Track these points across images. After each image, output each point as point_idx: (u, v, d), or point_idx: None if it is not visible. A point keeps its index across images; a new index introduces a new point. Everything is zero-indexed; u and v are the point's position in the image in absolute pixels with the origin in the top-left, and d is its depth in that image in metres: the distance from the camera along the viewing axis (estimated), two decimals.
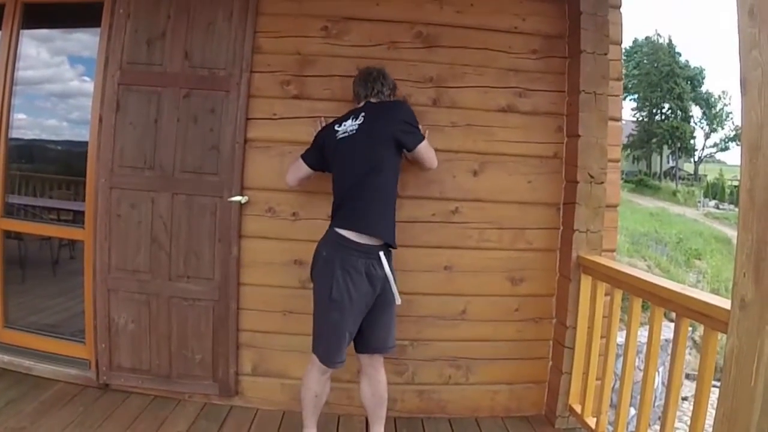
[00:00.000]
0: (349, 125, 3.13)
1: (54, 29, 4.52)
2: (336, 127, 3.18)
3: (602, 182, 3.65)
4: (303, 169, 3.37)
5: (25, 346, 4.03)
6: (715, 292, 17.64)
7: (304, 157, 3.36)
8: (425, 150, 3.28)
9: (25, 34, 4.06)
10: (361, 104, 3.28)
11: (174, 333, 3.76)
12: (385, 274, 3.02)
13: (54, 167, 5.25)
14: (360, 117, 3.14)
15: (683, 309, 2.64)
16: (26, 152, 4.87)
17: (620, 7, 3.88)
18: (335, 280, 2.94)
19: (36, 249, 5.47)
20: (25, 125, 4.51)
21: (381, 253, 3.02)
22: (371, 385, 3.19)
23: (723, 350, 2.41)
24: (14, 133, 4.14)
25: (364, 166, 3.05)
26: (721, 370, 2.07)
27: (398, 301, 3.08)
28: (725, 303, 2.26)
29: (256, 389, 3.81)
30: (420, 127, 3.32)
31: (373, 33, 3.71)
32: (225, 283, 3.71)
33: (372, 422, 3.28)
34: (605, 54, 3.66)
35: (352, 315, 2.98)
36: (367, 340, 3.12)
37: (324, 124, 3.43)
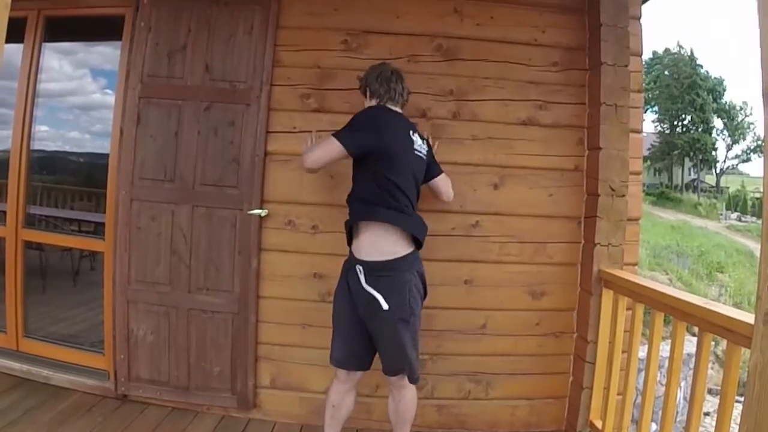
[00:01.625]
0: (421, 144, 3.12)
1: (76, 42, 4.57)
2: (411, 135, 3.09)
3: (623, 195, 3.61)
4: (337, 152, 3.00)
5: (44, 355, 4.06)
6: (737, 305, 17.51)
7: (344, 141, 2.95)
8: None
9: (48, 47, 4.12)
10: (411, 121, 3.24)
11: (193, 345, 3.76)
12: (370, 298, 2.89)
13: (76, 179, 5.29)
14: (425, 143, 3.18)
15: (706, 323, 2.60)
16: (49, 164, 4.91)
17: (640, 18, 3.86)
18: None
19: (57, 260, 5.50)
20: (47, 137, 4.56)
21: (358, 267, 2.93)
22: (393, 401, 3.17)
23: (746, 365, 2.37)
24: (37, 145, 4.19)
25: (414, 194, 3.06)
26: (745, 386, 2.03)
27: (384, 306, 2.86)
28: (749, 317, 2.21)
29: (274, 402, 3.80)
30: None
31: (393, 46, 3.71)
32: (244, 296, 3.71)
33: None
34: (626, 66, 3.63)
35: (343, 315, 3.05)
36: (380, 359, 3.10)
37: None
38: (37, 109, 4.09)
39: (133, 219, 3.73)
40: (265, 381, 3.80)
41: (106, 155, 3.86)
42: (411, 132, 3.09)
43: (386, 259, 2.90)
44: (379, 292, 2.86)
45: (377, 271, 2.90)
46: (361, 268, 2.92)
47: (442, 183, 3.40)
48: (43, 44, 4.07)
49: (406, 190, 2.97)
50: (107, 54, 4.41)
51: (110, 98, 3.94)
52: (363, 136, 2.96)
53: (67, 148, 4.92)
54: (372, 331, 2.97)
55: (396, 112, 3.15)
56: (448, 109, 3.75)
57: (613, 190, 3.59)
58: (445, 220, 3.74)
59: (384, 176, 2.94)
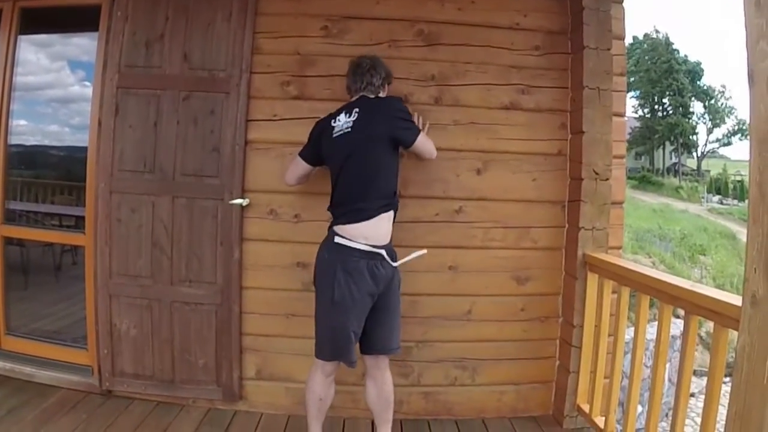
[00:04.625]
0: (343, 122, 3.09)
1: (53, 34, 4.49)
2: (332, 123, 3.13)
3: (607, 179, 3.61)
4: (301, 167, 3.34)
5: (27, 353, 4.00)
6: (720, 287, 17.66)
7: (302, 155, 3.32)
8: (423, 143, 3.27)
9: (24, 39, 4.03)
10: (355, 98, 3.23)
11: (176, 338, 3.72)
12: (392, 273, 3.06)
13: (56, 173, 5.24)
14: (354, 113, 3.09)
15: (693, 306, 2.60)
16: (28, 158, 4.85)
17: (623, 1, 3.84)
18: (337, 282, 2.92)
19: (38, 255, 5.44)
20: (26, 131, 4.50)
21: (384, 253, 3.00)
22: (376, 387, 3.16)
23: (730, 346, 2.38)
24: (16, 140, 4.13)
25: (363, 167, 3.03)
26: (731, 367, 2.03)
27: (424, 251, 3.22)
28: (736, 299, 2.21)
29: (260, 393, 3.78)
30: (414, 120, 3.34)
31: (374, 32, 3.68)
32: (227, 287, 3.68)
33: (378, 425, 3.24)
34: (608, 49, 3.62)
35: (356, 316, 2.97)
36: (370, 341, 3.08)
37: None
38: (15, 103, 4.01)
39: (113, 212, 3.68)
40: (251, 372, 3.78)
41: (86, 148, 3.80)
42: (332, 121, 3.15)
43: (389, 240, 3.10)
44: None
45: (390, 251, 3.08)
46: (384, 252, 3.02)
47: (420, 147, 3.28)
48: (19, 36, 3.98)
49: (358, 190, 3.05)
50: (84, 45, 4.34)
51: (89, 90, 3.86)
52: (308, 147, 3.32)
53: (47, 142, 4.86)
54: (383, 309, 3.08)
55: (351, 102, 3.23)
56: (430, 95, 3.73)
57: (596, 173, 3.59)
58: (429, 207, 3.73)
59: (335, 181, 3.14)
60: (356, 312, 2.97)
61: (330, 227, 3.08)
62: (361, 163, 3.03)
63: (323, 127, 3.19)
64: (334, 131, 3.09)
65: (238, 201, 3.62)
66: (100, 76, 3.71)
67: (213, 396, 3.75)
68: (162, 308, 3.71)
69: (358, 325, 3.00)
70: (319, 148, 3.21)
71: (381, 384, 3.15)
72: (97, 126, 3.70)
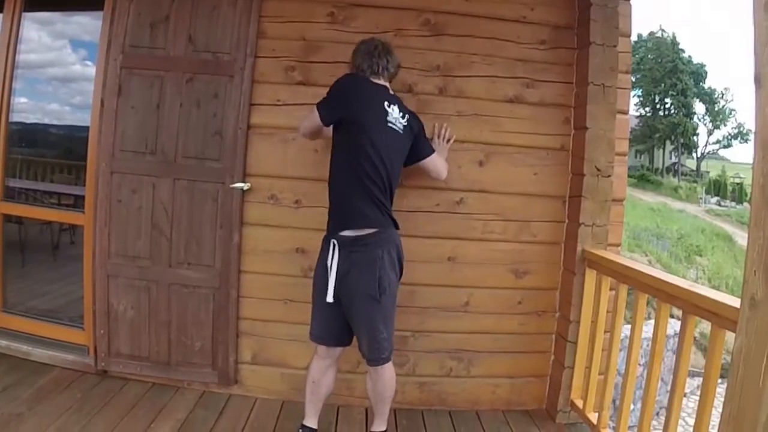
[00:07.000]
0: (397, 116, 3.06)
1: (55, 12, 4.47)
2: (387, 106, 3.04)
3: (609, 176, 3.60)
4: (317, 120, 3.12)
5: (24, 331, 4.00)
6: (715, 288, 17.72)
7: (319, 108, 3.09)
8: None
9: (27, 17, 4.00)
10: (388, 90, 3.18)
11: (173, 320, 3.73)
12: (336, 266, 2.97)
13: (56, 152, 5.24)
14: (405, 116, 3.10)
15: (690, 306, 2.60)
16: (28, 136, 4.84)
17: None
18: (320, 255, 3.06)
19: (36, 233, 5.44)
20: (26, 109, 4.49)
21: (333, 242, 2.97)
22: (371, 381, 3.16)
23: (725, 347, 2.38)
24: (16, 117, 4.11)
25: (388, 169, 3.00)
26: (724, 368, 2.03)
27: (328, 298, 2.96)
28: (734, 301, 2.22)
29: (255, 378, 3.78)
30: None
31: (380, 20, 3.66)
32: (226, 271, 3.68)
33: (374, 415, 3.25)
34: (614, 46, 3.61)
35: (320, 292, 3.01)
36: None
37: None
38: (16, 80, 3.99)
39: (113, 192, 3.67)
40: (247, 357, 3.78)
41: (87, 128, 3.79)
42: (387, 104, 3.05)
43: (358, 235, 2.94)
44: (352, 267, 2.92)
45: (349, 246, 2.93)
46: (335, 242, 2.95)
47: (431, 164, 3.36)
48: (23, 14, 3.95)
49: (378, 165, 2.95)
50: (86, 24, 4.33)
51: (90, 70, 3.86)
52: (332, 103, 3.06)
53: (47, 121, 4.85)
54: (345, 307, 2.98)
55: (375, 83, 3.13)
56: (434, 85, 3.72)
57: (598, 170, 3.58)
58: (429, 197, 3.72)
59: (354, 148, 2.98)
60: (321, 289, 3.03)
61: None
62: (390, 164, 3.02)
63: (371, 101, 3.07)
64: (388, 117, 3.02)
65: (239, 185, 3.62)
66: (103, 55, 3.69)
67: (208, 379, 3.75)
68: (160, 290, 3.71)
69: (321, 301, 3.03)
70: (349, 110, 3.05)
71: (375, 378, 3.13)
72: (99, 106, 3.69)
